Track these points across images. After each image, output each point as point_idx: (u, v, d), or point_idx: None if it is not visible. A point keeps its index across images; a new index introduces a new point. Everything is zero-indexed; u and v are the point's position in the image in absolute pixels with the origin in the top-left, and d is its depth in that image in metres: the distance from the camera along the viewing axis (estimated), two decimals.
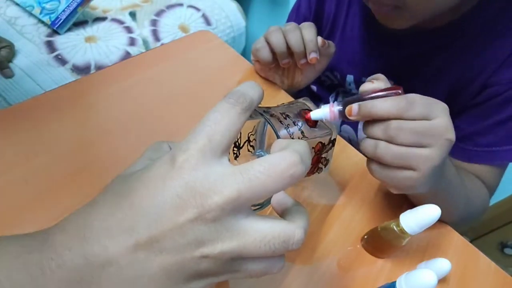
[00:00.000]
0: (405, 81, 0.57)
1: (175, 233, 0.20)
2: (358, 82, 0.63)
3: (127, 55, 1.09)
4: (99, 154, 0.44)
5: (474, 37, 0.51)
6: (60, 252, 0.19)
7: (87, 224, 0.20)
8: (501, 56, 0.49)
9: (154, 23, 1.21)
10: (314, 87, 0.73)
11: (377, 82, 0.35)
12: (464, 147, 0.55)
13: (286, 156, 0.20)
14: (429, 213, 0.35)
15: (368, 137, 0.35)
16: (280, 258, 0.23)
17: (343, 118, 0.36)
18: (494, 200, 1.19)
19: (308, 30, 0.52)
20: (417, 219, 0.36)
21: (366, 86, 0.36)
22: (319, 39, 0.52)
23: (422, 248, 0.44)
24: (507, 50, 0.49)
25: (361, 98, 0.35)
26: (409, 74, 0.57)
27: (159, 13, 1.24)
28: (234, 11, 1.37)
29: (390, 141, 0.33)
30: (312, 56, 0.52)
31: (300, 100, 0.42)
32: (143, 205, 0.20)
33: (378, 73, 0.37)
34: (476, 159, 0.55)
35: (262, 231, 0.21)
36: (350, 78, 0.64)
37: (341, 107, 0.35)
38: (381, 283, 0.38)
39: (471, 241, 0.47)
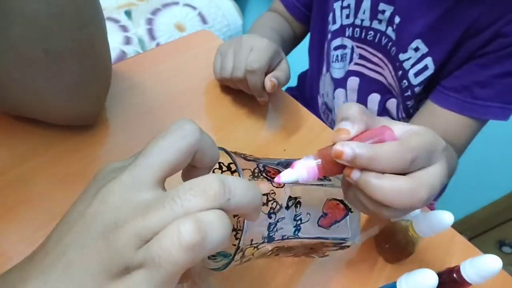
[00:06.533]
0: (420, 17, 0.55)
1: (78, 228, 0.19)
2: (374, 10, 0.59)
3: (123, 54, 1.08)
4: (99, 154, 0.44)
5: None
6: None
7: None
8: None
9: (149, 21, 1.20)
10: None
11: (355, 125, 0.26)
12: (460, 98, 0.55)
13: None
14: (442, 219, 0.35)
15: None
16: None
17: (324, 174, 0.27)
18: (492, 198, 1.20)
19: (255, 76, 0.47)
20: (430, 223, 0.36)
21: (342, 135, 0.26)
22: (268, 83, 0.46)
23: (423, 249, 0.44)
24: None
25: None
26: (426, 9, 0.55)
27: (155, 12, 1.24)
28: (231, 10, 1.36)
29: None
30: (261, 100, 0.50)
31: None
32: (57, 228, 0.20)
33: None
34: (469, 112, 0.55)
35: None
36: (366, 3, 0.59)
37: (319, 160, 0.26)
38: (382, 284, 0.38)
39: (469, 240, 0.47)
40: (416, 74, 0.59)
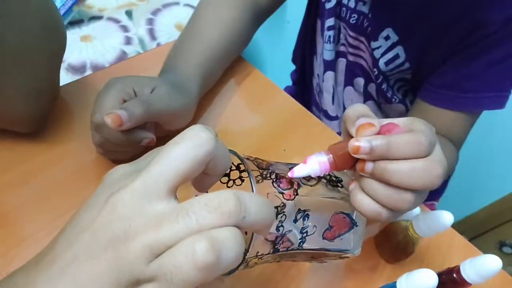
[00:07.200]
0: (391, 11, 0.54)
1: (87, 236, 0.18)
2: None
3: (123, 54, 1.08)
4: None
5: None
6: None
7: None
8: None
9: (150, 22, 1.20)
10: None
11: (375, 120, 0.27)
12: (451, 94, 0.55)
13: None
14: (442, 219, 0.35)
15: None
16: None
17: (336, 169, 0.28)
18: (492, 198, 1.20)
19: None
20: (430, 224, 0.36)
21: (368, 129, 0.27)
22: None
23: (423, 249, 0.44)
24: None
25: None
26: (399, 3, 0.54)
27: (155, 12, 1.24)
28: None
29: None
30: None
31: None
32: (66, 231, 0.20)
33: None
34: (464, 106, 0.54)
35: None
36: None
37: (331, 155, 0.27)
38: (382, 284, 0.38)
39: (469, 240, 0.47)
40: (387, 63, 0.59)
